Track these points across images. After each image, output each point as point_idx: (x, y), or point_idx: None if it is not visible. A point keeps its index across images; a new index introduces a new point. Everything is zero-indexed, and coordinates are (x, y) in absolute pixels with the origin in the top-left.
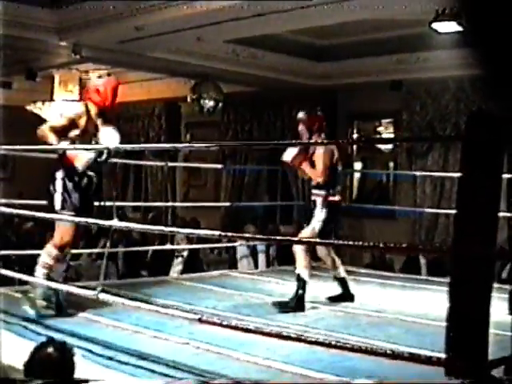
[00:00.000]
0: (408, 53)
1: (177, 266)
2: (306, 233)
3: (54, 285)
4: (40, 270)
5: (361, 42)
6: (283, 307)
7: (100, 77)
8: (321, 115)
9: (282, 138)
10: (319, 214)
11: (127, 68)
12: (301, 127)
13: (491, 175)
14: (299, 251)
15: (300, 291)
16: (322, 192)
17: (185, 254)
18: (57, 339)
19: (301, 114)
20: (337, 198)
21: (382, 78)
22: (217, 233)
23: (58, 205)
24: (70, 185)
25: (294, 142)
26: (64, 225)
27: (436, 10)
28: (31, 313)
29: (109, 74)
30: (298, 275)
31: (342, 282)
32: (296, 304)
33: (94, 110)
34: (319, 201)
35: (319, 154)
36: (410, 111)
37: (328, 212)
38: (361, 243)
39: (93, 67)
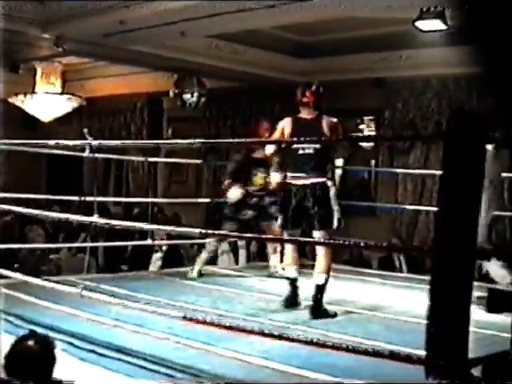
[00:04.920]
0: (391, 51)
1: (156, 261)
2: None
3: (38, 280)
4: None
5: (344, 39)
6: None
7: None
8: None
9: None
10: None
11: (110, 61)
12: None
13: (472, 174)
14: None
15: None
16: None
17: (164, 248)
18: (38, 332)
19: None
20: None
21: (365, 76)
22: (197, 230)
23: None
24: None
25: (275, 141)
26: None
27: (420, 8)
28: None
29: None
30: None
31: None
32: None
33: None
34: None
35: None
36: (392, 109)
37: None
38: (342, 242)
39: (76, 60)
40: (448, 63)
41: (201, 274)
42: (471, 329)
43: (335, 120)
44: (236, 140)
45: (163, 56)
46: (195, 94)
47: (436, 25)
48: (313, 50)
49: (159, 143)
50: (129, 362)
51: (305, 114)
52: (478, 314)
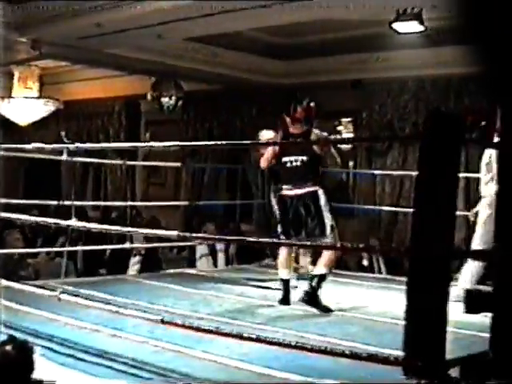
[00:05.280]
0: (368, 52)
1: (134, 264)
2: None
3: (15, 284)
4: None
5: (321, 41)
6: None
7: None
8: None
9: (241, 136)
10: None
11: (87, 65)
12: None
13: (448, 174)
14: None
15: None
16: None
17: (142, 252)
18: (17, 337)
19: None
20: None
21: (342, 78)
22: (175, 233)
23: None
24: None
25: (254, 142)
26: None
27: (397, 10)
28: None
29: None
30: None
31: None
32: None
33: None
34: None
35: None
36: (370, 110)
37: None
38: (319, 244)
39: (53, 64)
40: (425, 64)
41: None
42: (450, 329)
43: (325, 134)
44: (214, 142)
45: (140, 59)
46: (173, 97)
47: (413, 26)
48: (291, 52)
49: (137, 146)
50: (108, 366)
51: (295, 129)
52: (457, 314)
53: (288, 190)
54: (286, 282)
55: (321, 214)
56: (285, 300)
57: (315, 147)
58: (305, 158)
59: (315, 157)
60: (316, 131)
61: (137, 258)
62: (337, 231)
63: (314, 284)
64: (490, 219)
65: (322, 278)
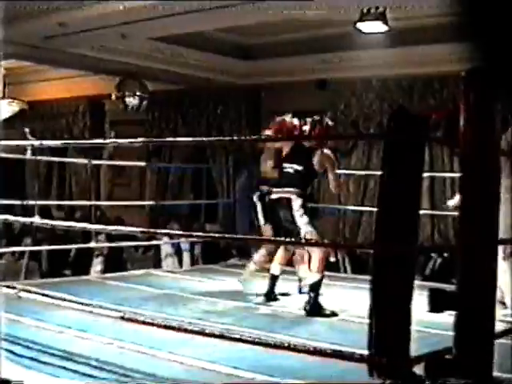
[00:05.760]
0: (332, 52)
1: (97, 265)
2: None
3: None
4: None
5: (286, 41)
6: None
7: None
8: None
9: (206, 135)
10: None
11: (51, 65)
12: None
13: (412, 173)
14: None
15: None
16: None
17: (105, 252)
18: None
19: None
20: None
21: (307, 77)
22: (138, 229)
23: None
24: None
25: (219, 138)
26: None
27: (361, 9)
28: None
29: None
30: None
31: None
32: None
33: None
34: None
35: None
36: (335, 110)
37: None
38: (283, 239)
39: (17, 64)
40: (389, 64)
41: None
42: (415, 328)
43: (328, 152)
44: (179, 139)
45: (105, 59)
46: (137, 97)
47: (377, 26)
48: (255, 51)
49: (100, 142)
50: (73, 368)
51: (307, 142)
52: (421, 313)
53: (273, 194)
54: (275, 278)
55: (293, 220)
56: (269, 295)
57: (316, 162)
58: (300, 168)
59: (310, 170)
60: (325, 150)
61: (99, 259)
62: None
63: (311, 294)
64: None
65: (317, 284)
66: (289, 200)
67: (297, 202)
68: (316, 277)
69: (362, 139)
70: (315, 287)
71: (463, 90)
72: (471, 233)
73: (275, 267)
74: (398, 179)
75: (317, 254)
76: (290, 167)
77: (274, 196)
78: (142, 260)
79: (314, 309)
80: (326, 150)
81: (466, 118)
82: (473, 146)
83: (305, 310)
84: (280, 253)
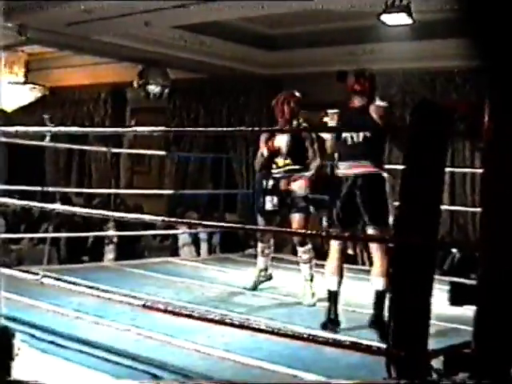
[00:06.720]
0: (355, 44)
1: (109, 253)
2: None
3: None
4: None
5: (310, 33)
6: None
7: None
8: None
9: (227, 125)
10: None
11: (74, 51)
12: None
13: (435, 167)
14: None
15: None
16: None
17: (115, 240)
18: None
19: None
20: None
21: (329, 69)
22: (159, 218)
23: None
24: None
25: (240, 129)
26: None
27: (386, 2)
28: None
29: None
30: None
31: None
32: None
33: None
34: None
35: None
36: None
37: None
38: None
39: (39, 49)
40: (412, 57)
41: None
42: (434, 322)
43: (383, 104)
44: (199, 129)
45: (127, 46)
46: (159, 85)
47: (401, 19)
48: (279, 42)
49: (120, 130)
50: (90, 354)
51: (355, 102)
52: (439, 307)
53: (346, 169)
54: (335, 295)
55: (384, 200)
56: (334, 322)
57: (377, 119)
58: (368, 134)
59: (378, 133)
60: (376, 103)
61: (110, 247)
62: None
63: (377, 304)
64: None
65: (383, 295)
66: (378, 178)
67: (388, 183)
68: (382, 283)
69: (385, 132)
70: (383, 295)
71: (489, 85)
72: (493, 228)
73: (333, 281)
74: (420, 173)
75: (380, 253)
76: (353, 136)
77: (348, 172)
78: (160, 248)
79: (381, 323)
80: (378, 101)
81: (490, 113)
82: (496, 141)
83: (371, 325)
84: (335, 261)
